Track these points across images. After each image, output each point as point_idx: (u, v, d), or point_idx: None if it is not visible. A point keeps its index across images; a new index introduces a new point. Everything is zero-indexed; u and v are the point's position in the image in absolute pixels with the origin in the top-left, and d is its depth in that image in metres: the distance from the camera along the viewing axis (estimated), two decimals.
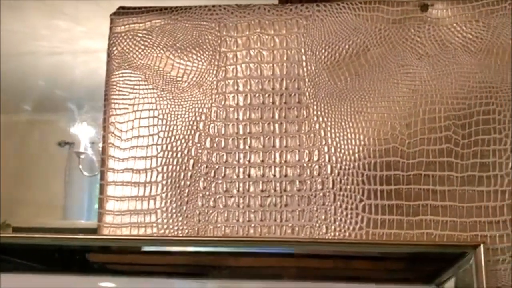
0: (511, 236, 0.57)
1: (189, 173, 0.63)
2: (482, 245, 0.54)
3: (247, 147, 0.63)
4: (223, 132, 0.63)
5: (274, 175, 0.62)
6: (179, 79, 0.65)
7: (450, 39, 0.61)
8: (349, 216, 0.60)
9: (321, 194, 0.61)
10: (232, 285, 0.58)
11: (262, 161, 0.62)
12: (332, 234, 0.60)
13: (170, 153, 0.64)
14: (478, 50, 0.61)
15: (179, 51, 0.66)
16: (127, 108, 0.66)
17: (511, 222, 0.57)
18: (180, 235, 0.61)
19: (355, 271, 0.58)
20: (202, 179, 0.63)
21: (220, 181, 0.63)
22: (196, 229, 0.62)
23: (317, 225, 0.60)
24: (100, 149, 0.67)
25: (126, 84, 0.67)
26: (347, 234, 0.59)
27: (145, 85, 0.66)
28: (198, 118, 0.64)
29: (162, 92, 0.65)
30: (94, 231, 0.65)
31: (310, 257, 0.58)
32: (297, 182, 0.62)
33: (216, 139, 0.63)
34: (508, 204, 0.58)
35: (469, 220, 0.58)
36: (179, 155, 0.64)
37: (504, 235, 0.57)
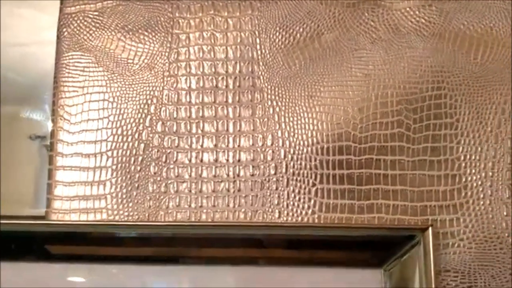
0: (461, 220, 0.58)
1: (140, 158, 0.62)
2: (430, 228, 0.54)
3: (199, 131, 0.62)
4: (175, 115, 0.62)
5: (227, 160, 0.61)
6: (130, 61, 0.64)
7: (403, 23, 0.61)
8: (301, 200, 0.59)
9: (274, 179, 0.60)
10: (201, 273, 0.57)
11: (215, 145, 0.61)
12: (285, 218, 0.59)
13: (121, 137, 0.62)
14: (430, 35, 0.61)
15: (130, 33, 0.64)
16: (77, 91, 0.64)
17: (461, 206, 0.58)
18: (130, 220, 0.60)
19: (309, 258, 0.58)
20: (153, 163, 0.61)
21: (171, 166, 0.61)
22: (146, 215, 0.60)
23: (270, 210, 0.60)
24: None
25: (76, 66, 0.65)
26: (299, 218, 0.59)
27: (96, 67, 0.64)
28: (149, 101, 0.63)
29: (112, 75, 0.64)
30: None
31: (273, 247, 0.58)
32: (251, 167, 0.61)
33: (168, 123, 0.62)
34: (459, 188, 0.58)
35: (419, 204, 0.58)
36: (129, 139, 0.62)
37: (454, 219, 0.57)
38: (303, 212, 0.59)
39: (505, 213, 0.57)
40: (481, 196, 0.58)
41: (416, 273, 0.54)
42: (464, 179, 0.58)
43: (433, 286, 0.53)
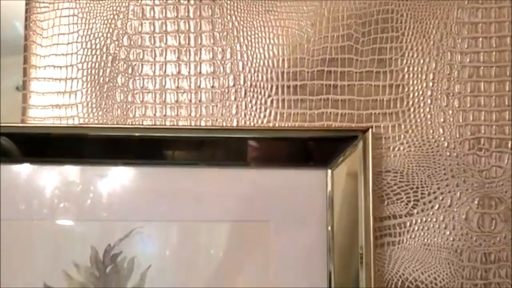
0: (402, 126, 0.63)
1: (108, 70, 0.66)
2: (370, 130, 0.59)
3: (163, 45, 0.66)
4: (140, 30, 0.66)
5: (189, 72, 0.65)
6: None
7: None
8: (258, 110, 0.64)
9: (233, 90, 0.65)
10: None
11: (178, 58, 0.66)
12: None
13: (90, 50, 0.66)
14: None
15: None
16: (48, 7, 0.68)
17: (403, 113, 0.63)
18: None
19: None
20: (120, 75, 0.66)
21: (137, 78, 0.66)
22: (115, 122, 0.65)
23: (229, 119, 0.65)
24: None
25: None
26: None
27: None
28: (116, 17, 0.66)
29: None
30: None
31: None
32: (211, 78, 0.65)
33: (133, 37, 0.66)
34: (402, 97, 0.63)
35: (365, 112, 0.63)
36: (98, 52, 0.66)
37: (396, 125, 0.63)
38: (259, 121, 0.64)
39: (442, 120, 0.62)
40: (422, 104, 0.63)
41: (358, 172, 0.59)
42: (406, 89, 0.63)
43: (371, 184, 0.59)
